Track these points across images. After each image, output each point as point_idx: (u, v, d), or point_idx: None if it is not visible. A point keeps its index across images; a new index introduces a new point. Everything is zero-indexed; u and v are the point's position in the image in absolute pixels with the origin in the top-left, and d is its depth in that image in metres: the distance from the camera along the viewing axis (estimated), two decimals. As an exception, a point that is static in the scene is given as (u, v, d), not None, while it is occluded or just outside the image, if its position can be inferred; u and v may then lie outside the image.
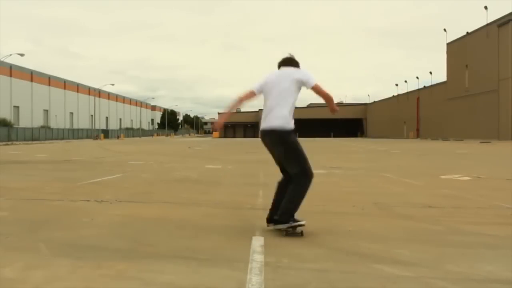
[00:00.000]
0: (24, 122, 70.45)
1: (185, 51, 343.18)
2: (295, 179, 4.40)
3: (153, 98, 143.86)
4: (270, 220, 4.50)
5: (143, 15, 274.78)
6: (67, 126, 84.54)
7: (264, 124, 4.47)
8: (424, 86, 74.82)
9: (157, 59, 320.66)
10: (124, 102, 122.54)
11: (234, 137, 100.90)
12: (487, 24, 53.48)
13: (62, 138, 70.21)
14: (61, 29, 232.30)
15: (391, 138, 66.82)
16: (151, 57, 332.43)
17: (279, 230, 4.43)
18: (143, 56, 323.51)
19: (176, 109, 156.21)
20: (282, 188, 4.54)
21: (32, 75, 76.04)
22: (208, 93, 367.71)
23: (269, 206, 4.60)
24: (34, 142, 55.16)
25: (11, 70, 69.29)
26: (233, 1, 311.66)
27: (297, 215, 4.42)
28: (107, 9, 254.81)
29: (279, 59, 4.71)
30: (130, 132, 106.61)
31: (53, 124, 78.34)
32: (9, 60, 59.91)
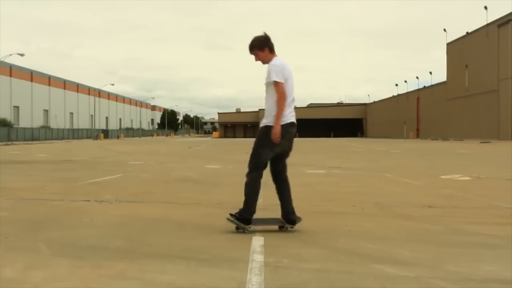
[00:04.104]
0: (24, 122, 70.43)
1: (178, 52, 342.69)
2: (285, 174, 4.63)
3: (153, 98, 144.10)
4: (290, 220, 4.54)
5: (134, 16, 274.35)
6: (67, 126, 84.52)
7: (294, 119, 4.52)
8: (424, 86, 74.86)
9: (150, 60, 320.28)
10: (124, 102, 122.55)
11: (234, 137, 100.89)
12: (487, 24, 53.49)
13: (62, 138, 70.20)
14: (52, 30, 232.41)
15: (391, 138, 66.81)
16: (143, 57, 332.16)
17: (280, 229, 4.54)
18: (135, 57, 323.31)
19: (175, 109, 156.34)
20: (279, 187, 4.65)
21: (32, 75, 76.04)
22: (203, 94, 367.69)
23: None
24: (34, 142, 55.15)
25: (11, 70, 69.29)
26: (225, 2, 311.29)
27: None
28: (97, 10, 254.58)
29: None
30: (130, 132, 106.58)
31: (53, 124, 78.32)
32: (8, 60, 59.94)
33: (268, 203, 5.56)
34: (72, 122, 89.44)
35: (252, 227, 4.47)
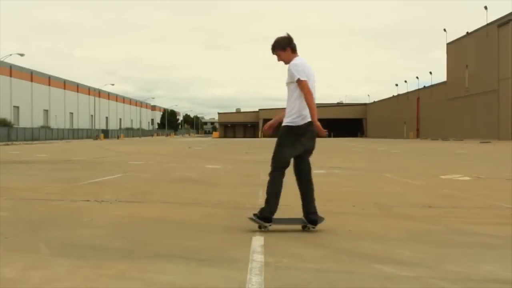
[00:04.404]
0: (24, 122, 70.42)
1: (178, 52, 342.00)
2: (310, 174, 4.60)
3: (153, 98, 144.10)
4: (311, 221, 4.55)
5: (134, 16, 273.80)
6: (67, 126, 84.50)
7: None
8: (424, 86, 74.88)
9: (150, 60, 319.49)
10: (124, 102, 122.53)
11: (234, 137, 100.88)
12: (487, 24, 53.50)
13: (62, 138, 70.18)
14: (52, 30, 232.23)
15: (391, 138, 66.80)
16: (143, 57, 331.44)
17: (303, 229, 4.56)
18: (135, 57, 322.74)
19: (175, 109, 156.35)
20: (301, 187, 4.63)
21: (32, 75, 76.01)
22: (203, 94, 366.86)
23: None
24: (34, 142, 55.15)
25: (11, 70, 69.27)
26: (225, 2, 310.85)
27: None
28: (97, 10, 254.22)
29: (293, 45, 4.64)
30: (130, 132, 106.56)
31: (53, 124, 78.32)
32: (8, 60, 59.94)
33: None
34: (72, 122, 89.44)
35: (275, 226, 4.50)
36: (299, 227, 4.58)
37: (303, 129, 4.41)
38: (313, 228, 4.52)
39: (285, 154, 4.49)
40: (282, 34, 4.64)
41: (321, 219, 4.56)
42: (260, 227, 4.48)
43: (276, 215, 4.58)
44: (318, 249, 3.88)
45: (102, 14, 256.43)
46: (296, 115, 4.42)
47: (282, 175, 4.53)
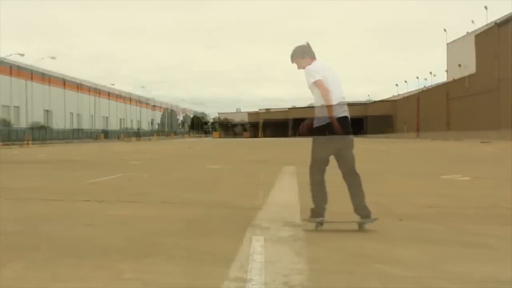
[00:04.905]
0: (24, 122, 70.41)
1: (178, 52, 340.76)
2: (354, 169, 4.73)
3: (153, 98, 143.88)
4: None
5: (134, 16, 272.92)
6: (67, 126, 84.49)
7: (343, 114, 4.55)
8: (425, 86, 74.95)
9: (151, 60, 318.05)
10: (124, 102, 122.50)
11: (234, 137, 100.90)
12: (487, 24, 53.50)
13: (63, 139, 70.19)
14: (52, 30, 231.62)
15: (392, 138, 66.81)
16: (143, 57, 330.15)
17: (359, 228, 4.64)
18: (135, 57, 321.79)
19: (175, 109, 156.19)
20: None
21: (32, 75, 76.01)
22: (203, 94, 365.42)
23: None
24: (34, 142, 55.13)
25: (11, 70, 69.26)
26: (226, 2, 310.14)
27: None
28: (97, 10, 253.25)
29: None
30: (130, 132, 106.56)
31: (53, 125, 78.32)
32: (8, 60, 59.91)
33: (268, 202, 5.54)
34: (72, 122, 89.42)
35: (329, 226, 4.58)
36: (354, 226, 4.63)
37: (330, 126, 4.45)
38: (363, 225, 4.59)
39: (318, 153, 4.61)
40: (302, 43, 4.71)
41: (373, 219, 4.61)
42: (316, 226, 4.57)
43: (333, 218, 4.66)
44: (318, 249, 3.88)
45: (102, 14, 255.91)
46: (321, 115, 4.52)
47: (320, 173, 4.63)
